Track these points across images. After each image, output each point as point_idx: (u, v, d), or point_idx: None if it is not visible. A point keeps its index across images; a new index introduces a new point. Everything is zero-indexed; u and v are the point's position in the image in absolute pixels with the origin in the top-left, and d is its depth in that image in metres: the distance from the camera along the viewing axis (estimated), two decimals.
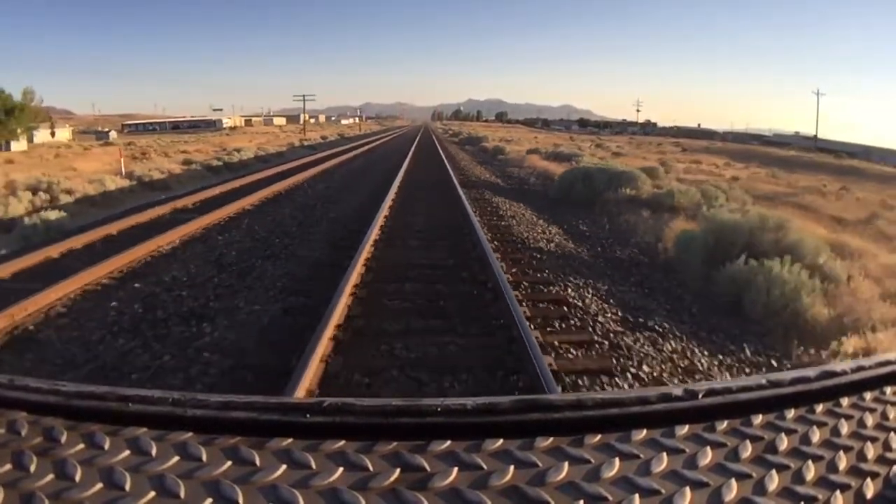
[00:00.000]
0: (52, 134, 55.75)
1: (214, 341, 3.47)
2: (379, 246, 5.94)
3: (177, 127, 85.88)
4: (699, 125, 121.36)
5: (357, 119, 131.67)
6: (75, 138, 58.20)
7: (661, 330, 4.13)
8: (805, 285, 5.49)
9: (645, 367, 3.32)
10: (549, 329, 3.68)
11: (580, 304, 4.29)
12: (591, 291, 4.77)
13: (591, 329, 3.77)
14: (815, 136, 56.46)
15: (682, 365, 3.63)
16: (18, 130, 41.57)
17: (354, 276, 4.42)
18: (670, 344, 3.88)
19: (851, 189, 25.05)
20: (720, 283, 5.74)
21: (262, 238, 6.67)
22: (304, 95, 46.57)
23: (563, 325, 3.79)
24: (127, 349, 3.55)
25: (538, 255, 5.94)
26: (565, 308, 4.12)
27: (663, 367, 3.46)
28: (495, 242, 6.32)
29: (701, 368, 3.69)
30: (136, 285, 4.72)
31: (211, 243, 6.44)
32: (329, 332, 3.26)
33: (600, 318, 4.03)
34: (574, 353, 3.32)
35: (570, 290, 4.64)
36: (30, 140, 43.08)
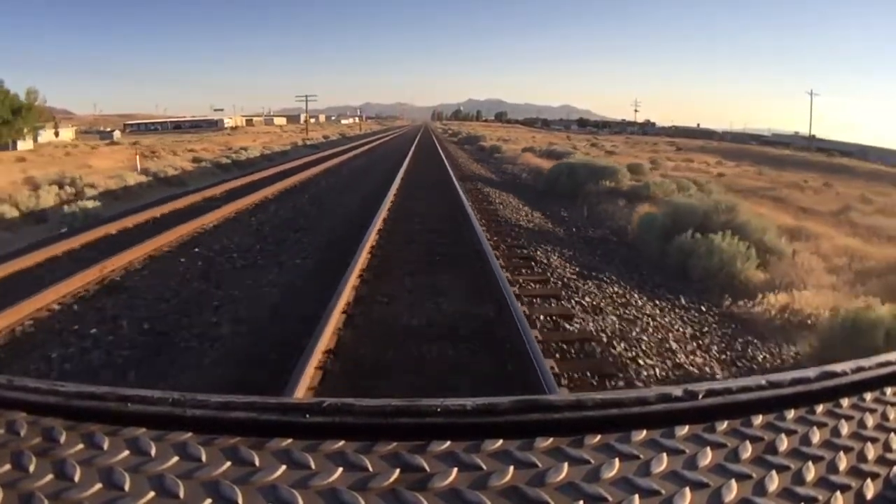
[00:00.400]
0: (56, 134, 56.84)
1: (271, 281, 4.70)
2: (388, 222, 7.21)
3: (178, 127, 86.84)
4: (698, 125, 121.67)
5: (357, 119, 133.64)
6: (78, 138, 59.42)
7: (608, 281, 5.34)
8: (741, 254, 6.67)
9: (587, 298, 4.54)
10: (516, 273, 4.94)
11: (545, 261, 5.54)
12: (557, 255, 6.01)
13: (549, 275, 5.01)
14: (811, 135, 58.10)
15: (619, 301, 4.83)
16: (25, 130, 42.78)
17: (371, 239, 5.70)
18: (613, 289, 5.10)
19: (835, 185, 26.21)
20: (671, 254, 6.95)
21: (289, 218, 7.95)
22: (306, 96, 47.81)
23: (528, 272, 5.05)
24: (202, 289, 4.77)
25: (518, 230, 7.21)
26: (532, 263, 5.38)
27: (603, 300, 4.67)
28: (483, 220, 7.58)
29: (636, 304, 4.89)
30: (195, 250, 5.95)
31: (246, 223, 7.70)
32: (356, 272, 4.52)
33: (559, 271, 5.26)
34: (533, 286, 4.56)
35: (539, 253, 5.89)
36: (34, 140, 44.19)
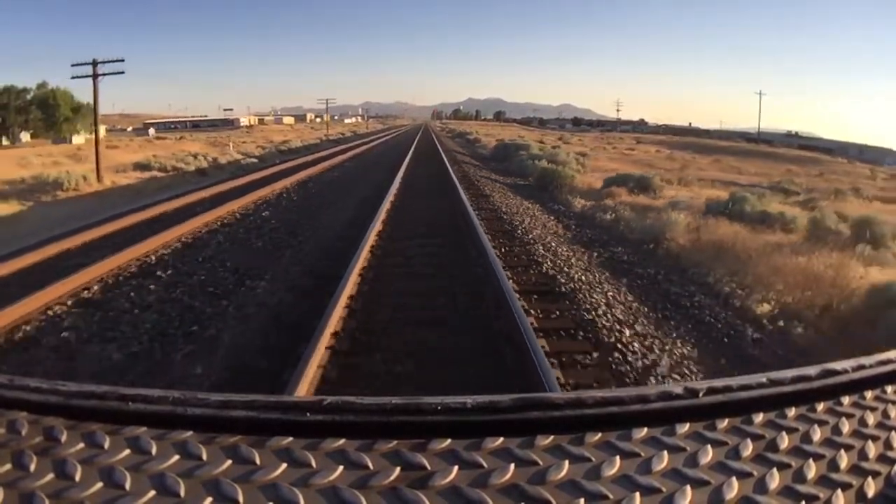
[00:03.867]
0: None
1: (358, 189, 16.33)
2: (411, 160, 19.10)
3: (196, 126, 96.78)
4: (689, 124, 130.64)
5: (360, 118, 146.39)
6: (109, 135, 69.79)
7: (485, 173, 17.01)
8: (546, 167, 18.37)
9: (474, 171, 16.22)
10: (455, 169, 16.74)
11: (468, 169, 17.37)
12: (473, 167, 17.88)
13: (466, 170, 16.82)
14: (758, 130, 70.00)
15: (485, 176, 16.40)
16: (79, 126, 53.59)
17: (405, 163, 17.54)
18: (485, 173, 16.79)
19: (723, 161, 37.78)
20: (521, 168, 18.64)
21: (369, 162, 19.69)
22: (327, 99, 59.62)
23: (459, 170, 16.84)
24: (355, 176, 16.47)
25: (464, 165, 19.07)
26: (462, 168, 17.17)
27: (478, 174, 16.30)
28: (449, 163, 19.30)
29: (492, 176, 16.46)
30: (346, 165, 17.68)
31: (355, 163, 19.45)
32: (400, 177, 16.13)
33: (472, 169, 17.08)
34: (460, 173, 16.27)
35: (467, 167, 17.77)
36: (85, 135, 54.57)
